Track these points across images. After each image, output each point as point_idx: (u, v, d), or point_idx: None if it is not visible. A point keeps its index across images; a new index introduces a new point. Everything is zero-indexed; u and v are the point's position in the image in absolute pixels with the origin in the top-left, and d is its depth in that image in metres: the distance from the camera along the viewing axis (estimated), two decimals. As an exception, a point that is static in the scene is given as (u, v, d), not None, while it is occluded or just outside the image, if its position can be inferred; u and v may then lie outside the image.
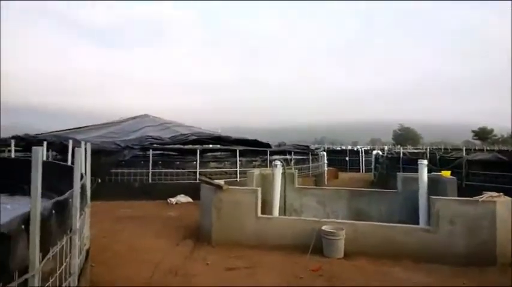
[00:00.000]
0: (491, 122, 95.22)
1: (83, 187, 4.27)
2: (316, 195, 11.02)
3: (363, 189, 11.01)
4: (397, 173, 11.08)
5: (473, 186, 11.95)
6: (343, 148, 38.38)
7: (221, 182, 7.55)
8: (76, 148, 5.50)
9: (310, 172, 17.76)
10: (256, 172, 10.74)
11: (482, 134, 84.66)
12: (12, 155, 10.15)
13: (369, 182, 19.52)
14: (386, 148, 24.00)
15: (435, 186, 9.37)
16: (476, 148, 36.40)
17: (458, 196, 8.19)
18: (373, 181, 18.93)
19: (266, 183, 10.49)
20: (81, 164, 4.96)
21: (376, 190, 11.30)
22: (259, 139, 20.13)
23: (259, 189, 7.33)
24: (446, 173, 10.20)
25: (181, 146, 15.21)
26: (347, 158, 29.90)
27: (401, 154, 16.92)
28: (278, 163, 10.08)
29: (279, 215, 9.41)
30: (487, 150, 28.61)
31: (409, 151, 22.01)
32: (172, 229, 8.39)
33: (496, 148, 42.43)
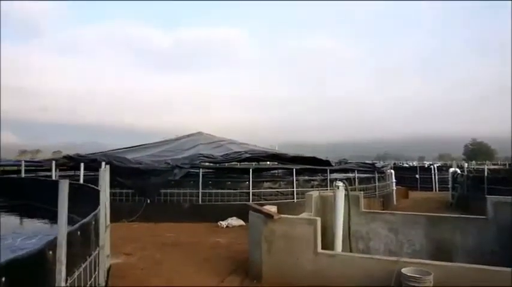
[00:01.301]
0: None
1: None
2: (387, 221, 9.41)
3: (443, 215, 9.28)
4: (486, 196, 9.21)
5: None
6: (412, 164, 35.49)
7: (273, 209, 6.38)
8: (101, 169, 4.67)
9: (377, 193, 15.99)
10: (315, 194, 9.40)
11: None
12: (53, 176, 9.76)
13: (445, 204, 17.24)
14: (466, 165, 21.41)
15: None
16: None
17: None
18: (452, 203, 16.65)
19: (326, 207, 9.17)
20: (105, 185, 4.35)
21: (461, 215, 9.48)
22: (318, 156, 18.75)
23: (319, 219, 6.05)
24: (554, 197, 8.22)
25: (233, 165, 14.28)
26: (417, 176, 27.29)
27: (485, 172, 14.62)
28: (340, 183, 8.71)
29: (343, 244, 8.09)
30: None
31: (489, 167, 19.40)
32: (219, 260, 7.33)
33: None
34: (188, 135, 20.49)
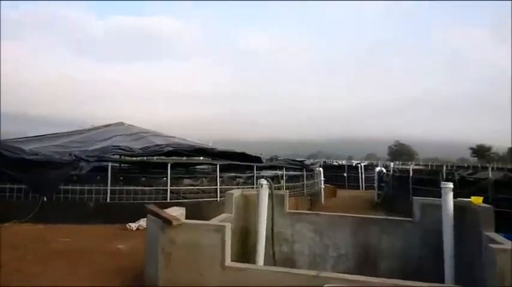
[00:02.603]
0: (487, 140, 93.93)
1: None
2: (313, 222, 8.64)
3: (369, 217, 8.72)
4: (413, 197, 8.82)
5: (507, 214, 9.58)
6: (341, 163, 36.08)
7: (177, 212, 5.21)
8: None
9: (305, 191, 15.44)
10: (237, 193, 8.38)
11: (481, 151, 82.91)
12: None
13: (372, 203, 17.22)
14: (392, 164, 21.87)
15: (462, 216, 7.15)
16: (480, 165, 34.29)
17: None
18: (377, 203, 16.64)
19: (250, 207, 8.24)
20: None
21: (387, 217, 8.97)
22: (253, 153, 17.87)
23: (228, 225, 4.99)
24: (478, 200, 7.91)
25: (148, 159, 12.90)
26: (345, 174, 27.61)
27: (411, 172, 14.63)
28: (264, 181, 7.77)
29: (266, 247, 7.23)
30: (497, 168, 26.38)
31: (413, 167, 19.82)
32: (112, 274, 6.00)
33: (498, 165, 40.39)
34: (106, 126, 18.46)
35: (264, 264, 7.14)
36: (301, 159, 17.25)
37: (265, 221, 7.61)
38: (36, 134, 16.97)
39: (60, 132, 17.08)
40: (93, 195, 10.49)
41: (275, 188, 8.71)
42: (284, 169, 14.54)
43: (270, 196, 7.80)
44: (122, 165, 12.38)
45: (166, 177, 11.16)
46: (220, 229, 4.83)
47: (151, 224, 5.25)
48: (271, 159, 18.60)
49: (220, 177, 11.97)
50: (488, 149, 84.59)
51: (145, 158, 15.54)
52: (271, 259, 7.52)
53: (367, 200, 18.31)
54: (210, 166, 15.69)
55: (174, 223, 4.70)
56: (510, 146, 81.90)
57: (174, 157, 16.49)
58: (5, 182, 10.35)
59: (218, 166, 12.24)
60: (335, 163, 35.70)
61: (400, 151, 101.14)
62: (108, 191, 10.61)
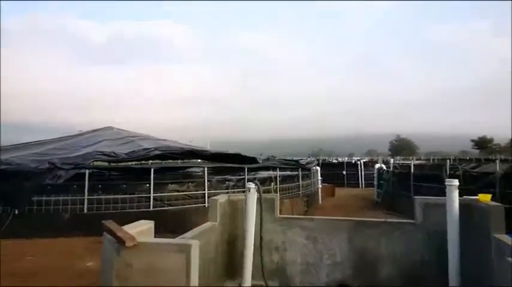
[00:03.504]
0: (487, 132, 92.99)
1: None
2: (306, 227, 7.90)
3: (366, 219, 8.00)
4: (414, 197, 8.07)
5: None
6: (340, 160, 35.26)
7: (139, 227, 4.46)
8: None
9: (301, 192, 14.68)
10: (223, 198, 7.65)
11: (482, 143, 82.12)
12: None
13: (372, 201, 16.44)
14: (392, 160, 21.03)
15: (469, 216, 6.43)
16: (483, 158, 33.52)
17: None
18: (377, 202, 15.83)
19: (237, 213, 7.53)
20: None
21: (387, 220, 8.23)
22: (253, 153, 17.16)
23: (195, 243, 4.22)
24: (486, 198, 7.18)
25: (130, 165, 12.16)
26: (344, 172, 26.80)
27: (412, 169, 13.79)
28: (251, 185, 7.07)
29: (254, 256, 6.57)
30: (501, 160, 25.52)
31: (414, 162, 19.04)
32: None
33: (501, 157, 39.59)
34: (94, 131, 17.73)
35: (252, 277, 6.45)
36: (297, 158, 16.50)
37: (254, 229, 6.97)
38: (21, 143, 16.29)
39: (44, 140, 16.35)
40: (69, 205, 9.76)
41: (267, 191, 8.01)
42: (278, 169, 13.79)
43: (259, 200, 7.15)
44: (104, 172, 11.62)
45: (149, 183, 10.42)
46: (184, 249, 4.06)
47: (106, 244, 4.49)
48: (268, 159, 17.86)
49: (208, 181, 11.23)
50: (490, 140, 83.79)
51: (132, 163, 14.80)
52: (261, 271, 6.82)
53: (366, 198, 17.54)
54: (201, 169, 14.99)
55: (128, 243, 3.94)
56: (511, 137, 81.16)
57: (169, 161, 15.84)
58: (-25, 194, 9.65)
59: (206, 168, 11.50)
60: (334, 161, 34.92)
61: (401, 146, 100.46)
62: (85, 201, 9.88)
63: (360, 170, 26.58)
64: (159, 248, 4.14)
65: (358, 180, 26.43)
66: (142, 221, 5.08)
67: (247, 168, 12.74)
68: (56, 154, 12.93)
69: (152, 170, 10.61)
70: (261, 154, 20.73)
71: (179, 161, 16.64)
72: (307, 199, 14.77)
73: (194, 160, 16.70)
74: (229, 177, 12.30)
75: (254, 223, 6.97)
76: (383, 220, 8.51)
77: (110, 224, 4.54)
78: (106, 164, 13.30)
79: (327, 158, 42.58)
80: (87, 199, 9.92)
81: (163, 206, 10.34)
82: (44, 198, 9.71)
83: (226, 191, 11.31)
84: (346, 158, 42.22)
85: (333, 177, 25.54)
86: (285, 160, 15.68)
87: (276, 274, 7.47)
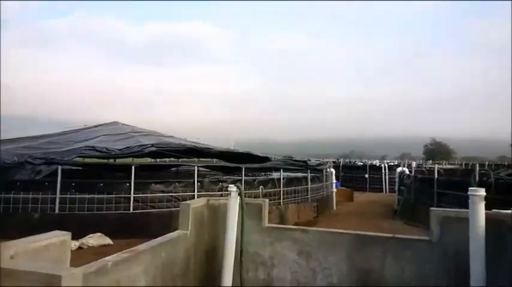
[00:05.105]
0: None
1: None
2: (298, 240, 6.62)
3: (370, 234, 6.59)
4: (431, 209, 6.54)
5: None
6: (363, 162, 33.34)
7: (48, 240, 3.31)
8: None
9: (310, 196, 13.29)
10: (200, 202, 6.48)
11: (524, 147, 77.15)
12: None
13: (392, 210, 14.82)
14: (414, 163, 19.19)
15: (500, 234, 5.02)
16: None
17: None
18: (396, 211, 14.21)
19: (218, 220, 6.37)
20: None
21: (396, 236, 6.80)
22: (277, 154, 16.05)
23: (70, 275, 3.00)
24: (523, 212, 5.71)
25: (107, 162, 11.24)
26: (366, 175, 25.02)
27: (436, 174, 12.06)
28: (233, 188, 5.90)
29: (234, 272, 5.52)
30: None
31: (445, 167, 17.22)
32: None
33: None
34: (97, 126, 17.11)
35: None
36: (305, 159, 15.14)
37: (235, 240, 5.83)
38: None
39: (45, 134, 15.78)
40: (39, 205, 8.89)
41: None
42: (281, 170, 12.47)
43: (241, 206, 5.98)
44: (82, 168, 10.78)
45: (130, 183, 9.40)
46: (52, 282, 2.88)
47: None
48: (285, 159, 16.59)
49: (198, 182, 10.10)
50: (532, 144, 78.65)
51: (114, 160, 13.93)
52: (241, 289, 5.71)
53: (387, 205, 15.92)
54: (205, 169, 13.87)
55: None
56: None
57: (165, 159, 14.91)
58: None
59: (196, 168, 10.38)
60: (359, 163, 33.00)
61: (436, 150, 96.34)
62: (57, 200, 8.98)
63: (384, 174, 24.75)
64: (18, 278, 2.97)
65: (382, 184, 24.63)
66: (56, 232, 3.95)
67: (246, 168, 11.50)
68: (49, 148, 12.22)
69: (133, 167, 9.60)
70: (286, 156, 19.59)
71: (179, 159, 15.69)
72: (317, 204, 13.38)
73: (188, 159, 15.68)
74: (222, 178, 11.13)
75: (235, 233, 5.87)
76: (391, 235, 7.02)
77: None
78: (87, 160, 12.46)
79: (355, 160, 40.67)
80: (59, 197, 9.01)
81: (146, 208, 9.31)
82: (12, 195, 8.89)
83: (220, 193, 10.13)
84: (377, 161, 40.17)
85: (355, 180, 23.91)
86: (291, 159, 14.35)
87: (262, 294, 6.29)
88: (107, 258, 3.98)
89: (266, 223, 6.54)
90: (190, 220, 5.82)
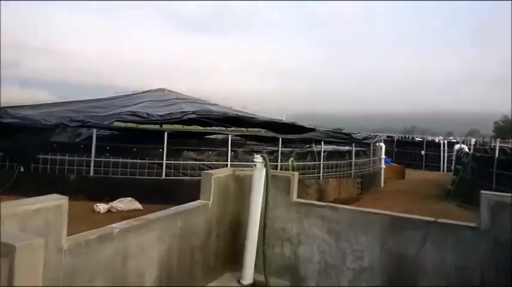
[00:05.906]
0: None
1: None
2: (327, 218, 6.13)
3: (408, 216, 5.90)
4: (482, 193, 5.67)
5: None
6: (422, 138, 31.29)
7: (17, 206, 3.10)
8: None
9: (353, 171, 12.55)
10: (223, 172, 6.17)
11: None
12: None
13: (446, 190, 13.70)
14: (473, 140, 17.50)
15: None
16: None
17: None
18: (449, 191, 13.08)
19: (244, 192, 6.07)
20: None
21: (438, 220, 6.06)
22: (334, 127, 15.49)
23: (26, 245, 2.72)
24: None
25: (146, 127, 11.28)
26: (423, 152, 23.44)
27: (497, 152, 10.80)
28: (259, 159, 5.56)
29: (258, 248, 5.25)
30: None
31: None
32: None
33: None
34: (144, 92, 17.39)
35: (259, 271, 5.22)
36: (353, 132, 14.27)
37: (259, 214, 5.55)
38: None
39: (93, 99, 16.24)
40: (75, 167, 9.07)
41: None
42: (322, 143, 11.80)
43: (267, 178, 5.62)
44: (118, 133, 10.85)
45: (162, 149, 9.32)
46: (8, 253, 2.64)
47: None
48: (325, 131, 15.87)
49: (232, 151, 9.81)
50: None
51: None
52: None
53: (442, 185, 14.74)
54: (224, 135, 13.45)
55: None
56: None
57: (215, 127, 14.81)
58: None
59: (230, 136, 10.07)
60: (417, 139, 31.07)
61: (507, 128, 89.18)
62: (92, 163, 9.12)
63: (442, 151, 23.00)
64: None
65: (440, 162, 22.97)
66: (52, 196, 3.76)
67: (284, 139, 11.01)
68: (94, 112, 12.51)
69: (166, 133, 9.48)
70: (341, 128, 18.86)
71: (222, 128, 15.53)
72: (362, 180, 12.64)
73: (218, 128, 15.40)
74: (257, 148, 10.77)
75: (260, 206, 5.56)
76: (432, 219, 6.28)
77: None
78: (125, 124, 12.58)
79: (407, 135, 38.49)
80: (94, 160, 9.15)
81: (178, 175, 9.22)
82: (49, 157, 9.16)
83: (252, 163, 9.81)
84: (440, 138, 37.83)
85: (410, 157, 22.55)
86: (333, 132, 13.55)
87: (287, 271, 6.02)
88: (115, 225, 3.76)
89: (294, 198, 6.11)
90: (213, 190, 5.54)
